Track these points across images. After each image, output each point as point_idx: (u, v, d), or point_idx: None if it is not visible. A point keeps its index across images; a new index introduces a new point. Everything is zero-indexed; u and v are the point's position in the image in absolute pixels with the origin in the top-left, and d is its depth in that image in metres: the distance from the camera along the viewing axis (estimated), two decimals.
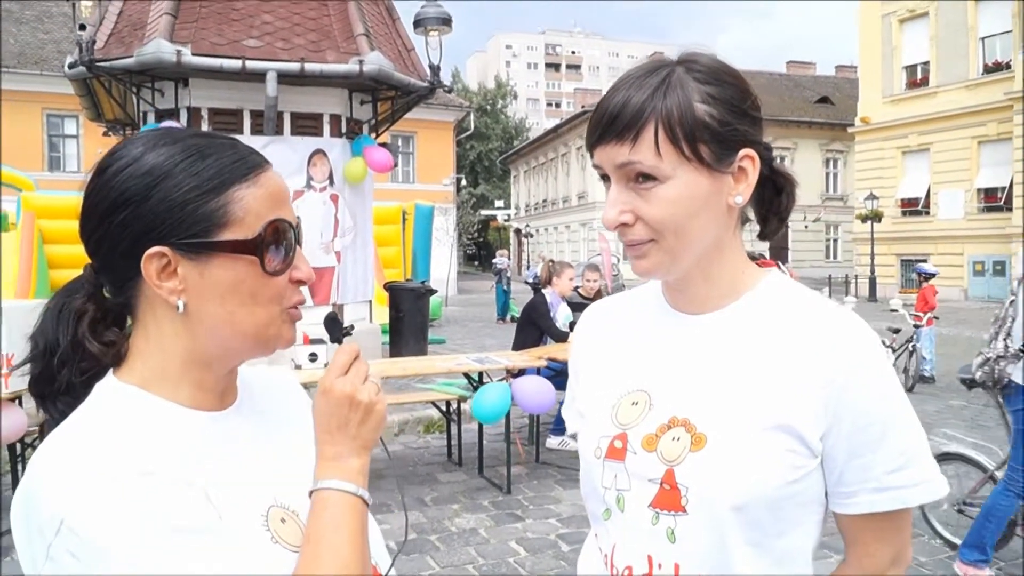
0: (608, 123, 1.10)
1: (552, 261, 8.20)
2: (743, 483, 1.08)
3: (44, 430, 1.03)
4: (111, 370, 1.00)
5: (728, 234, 1.18)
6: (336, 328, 1.16)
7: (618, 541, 1.19)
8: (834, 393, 1.09)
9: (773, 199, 1.23)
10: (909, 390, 10.70)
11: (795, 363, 1.12)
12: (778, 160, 1.24)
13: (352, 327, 1.25)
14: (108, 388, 0.98)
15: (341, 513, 0.98)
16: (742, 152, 1.12)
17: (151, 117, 9.14)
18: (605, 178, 1.15)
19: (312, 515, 0.99)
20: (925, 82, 29.11)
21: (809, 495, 1.12)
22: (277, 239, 1.00)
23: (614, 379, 1.28)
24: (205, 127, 9.06)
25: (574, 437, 1.34)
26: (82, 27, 8.27)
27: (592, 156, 1.16)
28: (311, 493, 1.01)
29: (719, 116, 1.10)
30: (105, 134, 12.86)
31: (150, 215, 0.94)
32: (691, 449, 1.12)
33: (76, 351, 0.99)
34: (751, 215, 1.25)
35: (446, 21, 9.80)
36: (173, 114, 8.99)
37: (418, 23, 9.86)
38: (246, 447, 1.04)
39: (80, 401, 0.97)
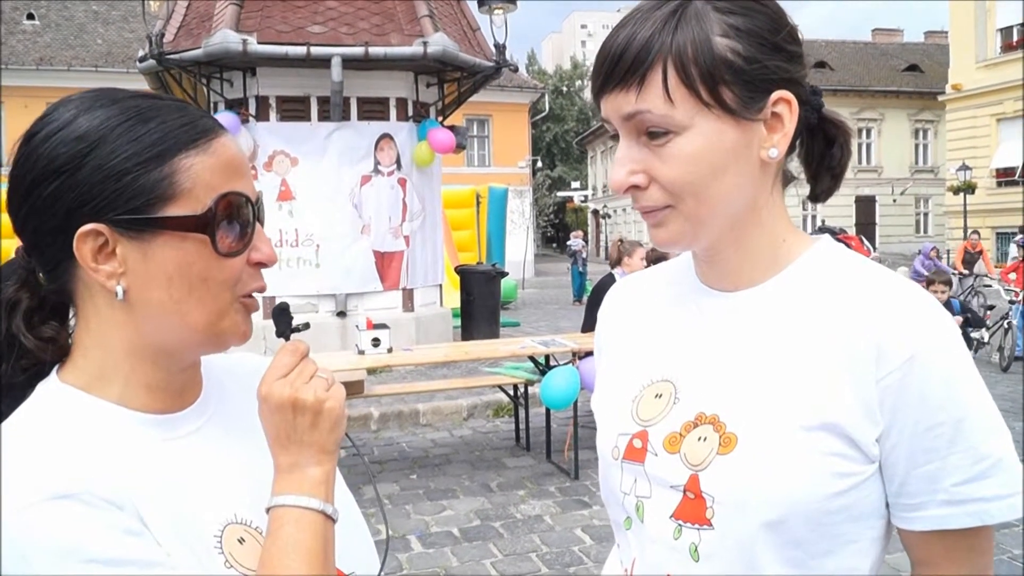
0: (611, 66, 0.91)
1: (622, 240, 7.97)
2: (780, 494, 0.89)
3: None
4: (56, 368, 0.90)
5: (764, 195, 0.98)
6: (284, 321, 0.99)
7: (638, 555, 1.02)
8: (892, 386, 0.89)
9: (824, 152, 1.03)
10: (1004, 370, 10.15)
11: (845, 349, 0.92)
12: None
13: (307, 324, 1.06)
14: (46, 391, 0.87)
15: (298, 532, 0.85)
16: (775, 95, 0.92)
17: (221, 107, 9.25)
18: (616, 136, 0.97)
19: (268, 536, 0.86)
20: (1021, 45, 27.60)
21: (863, 507, 0.92)
22: (231, 215, 0.87)
23: (637, 367, 1.10)
24: (273, 115, 9.16)
25: None
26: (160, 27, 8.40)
27: (599, 109, 0.97)
28: (268, 510, 0.88)
29: (744, 52, 0.90)
30: None
31: (83, 186, 0.82)
32: (719, 451, 0.94)
33: (11, 347, 0.88)
34: (800, 173, 1.06)
35: None
36: (242, 103, 9.10)
37: (483, 2, 9.73)
38: (203, 454, 0.92)
39: (21, 401, 0.86)
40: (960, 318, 8.73)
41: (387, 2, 9.14)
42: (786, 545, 0.90)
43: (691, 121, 0.90)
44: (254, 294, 0.94)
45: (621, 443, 1.05)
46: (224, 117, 8.63)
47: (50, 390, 0.87)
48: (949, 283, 8.66)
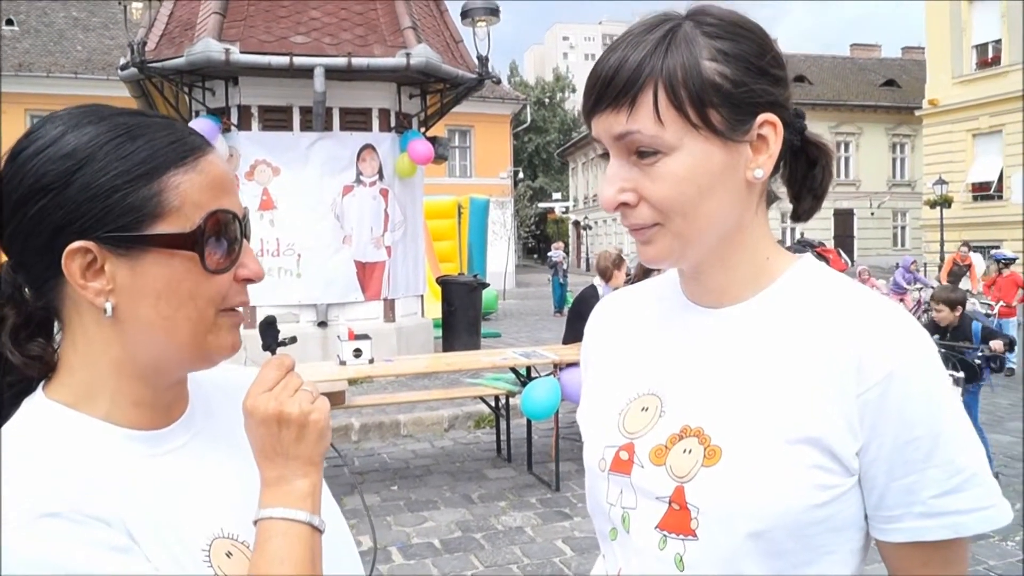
0: (603, 87, 0.94)
1: (609, 252, 8.00)
2: (763, 505, 0.92)
3: None
4: (41, 384, 0.90)
5: (749, 214, 1.01)
6: (271, 335, 1.00)
7: (624, 566, 1.04)
8: (872, 401, 0.92)
9: (806, 173, 1.06)
10: None
11: (827, 365, 0.94)
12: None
13: (294, 339, 1.06)
14: (32, 407, 0.87)
15: (287, 544, 0.86)
16: (761, 118, 0.95)
17: (202, 115, 9.22)
18: (605, 155, 0.99)
19: (255, 548, 0.87)
20: (997, 61, 27.96)
21: (843, 519, 0.94)
22: (219, 232, 0.88)
23: (623, 381, 1.12)
24: (255, 124, 9.14)
25: None
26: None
27: (589, 129, 1.00)
28: (255, 523, 0.89)
29: (732, 75, 0.93)
30: None
31: (71, 204, 0.82)
32: (704, 464, 0.96)
33: None
34: (782, 193, 1.08)
35: (494, 11, 9.68)
36: (224, 112, 9.07)
37: (465, 14, 9.77)
38: (190, 469, 0.92)
39: (7, 419, 0.86)
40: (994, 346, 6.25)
41: (370, 13, 9.16)
42: (769, 555, 0.92)
43: (680, 142, 0.92)
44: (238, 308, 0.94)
45: (608, 455, 1.07)
46: (201, 123, 8.61)
47: (37, 407, 0.87)
48: (958, 303, 6.52)
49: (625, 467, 1.04)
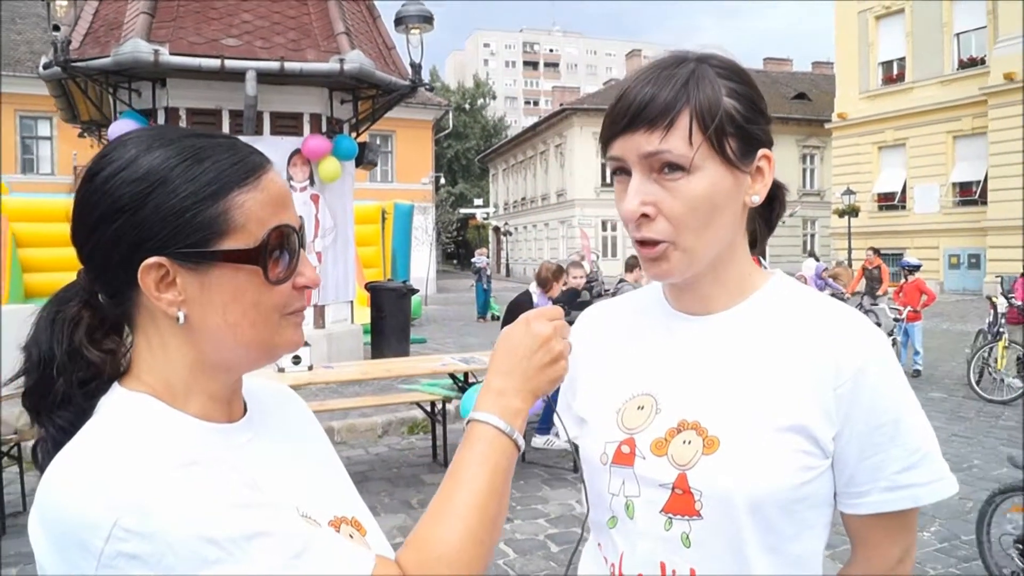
0: (637, 112, 1.06)
1: (551, 263, 8.12)
2: (759, 485, 1.06)
3: (39, 448, 0.97)
4: (116, 382, 0.95)
5: (739, 234, 1.17)
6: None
7: (626, 549, 1.16)
8: (846, 394, 1.07)
9: (765, 206, 1.21)
10: None
11: (806, 364, 1.10)
12: None
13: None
14: (120, 399, 0.93)
15: (491, 449, 0.98)
16: (761, 152, 1.12)
17: (125, 114, 9.00)
18: (617, 172, 1.12)
19: (463, 444, 0.99)
20: (901, 78, 29.35)
21: (820, 497, 1.10)
22: (280, 246, 0.95)
23: (617, 383, 1.25)
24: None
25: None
26: (56, 27, 8.15)
27: (609, 148, 1.12)
28: (468, 421, 1.01)
29: (744, 112, 1.08)
30: (81, 135, 12.71)
31: (145, 224, 0.88)
32: (704, 452, 1.09)
33: (73, 361, 0.93)
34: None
35: (428, 19, 9.74)
36: (151, 115, 8.88)
37: (399, 21, 9.80)
38: (261, 461, 0.99)
39: (84, 415, 0.92)
40: None
41: (303, 17, 9.09)
42: (763, 530, 1.07)
43: (703, 164, 1.06)
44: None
45: (609, 449, 1.19)
46: (126, 125, 8.39)
47: (124, 398, 0.93)
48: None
49: (627, 459, 1.16)
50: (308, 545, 0.83)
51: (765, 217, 1.23)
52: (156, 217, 0.89)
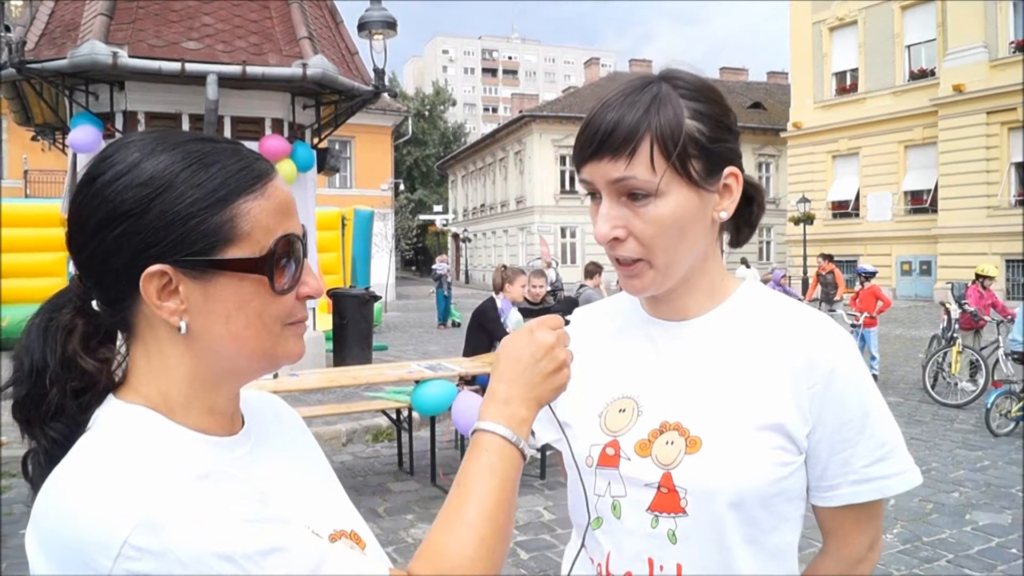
0: (602, 140, 1.10)
1: (505, 267, 8.12)
2: (741, 481, 1.10)
3: (29, 460, 0.94)
4: (111, 394, 0.92)
5: (711, 246, 1.21)
6: None
7: (613, 548, 1.19)
8: (819, 393, 1.13)
9: (744, 209, 1.25)
10: None
11: (780, 365, 1.15)
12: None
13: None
14: (117, 411, 0.89)
15: (499, 460, 0.97)
16: (728, 170, 1.15)
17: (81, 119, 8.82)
18: (593, 195, 1.16)
19: (470, 453, 0.99)
20: (854, 88, 29.96)
21: (796, 491, 1.15)
22: (286, 255, 0.93)
23: (597, 388, 1.27)
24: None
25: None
26: (7, 28, 7.97)
27: (580, 172, 1.16)
28: (473, 431, 1.00)
29: (708, 132, 1.11)
30: (34, 138, 12.42)
31: (149, 230, 0.85)
32: (687, 452, 1.13)
33: (67, 370, 0.90)
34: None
35: (391, 24, 9.68)
36: (109, 118, 8.71)
37: (362, 26, 9.73)
38: (265, 472, 0.97)
39: (78, 427, 0.88)
40: None
41: (265, 22, 8.99)
42: (745, 523, 1.12)
43: (667, 188, 1.10)
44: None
45: (594, 452, 1.22)
46: (83, 130, 8.23)
47: (121, 409, 0.89)
48: None
49: (612, 461, 1.19)
50: (324, 560, 0.81)
51: (745, 218, 1.26)
52: (160, 223, 0.86)
